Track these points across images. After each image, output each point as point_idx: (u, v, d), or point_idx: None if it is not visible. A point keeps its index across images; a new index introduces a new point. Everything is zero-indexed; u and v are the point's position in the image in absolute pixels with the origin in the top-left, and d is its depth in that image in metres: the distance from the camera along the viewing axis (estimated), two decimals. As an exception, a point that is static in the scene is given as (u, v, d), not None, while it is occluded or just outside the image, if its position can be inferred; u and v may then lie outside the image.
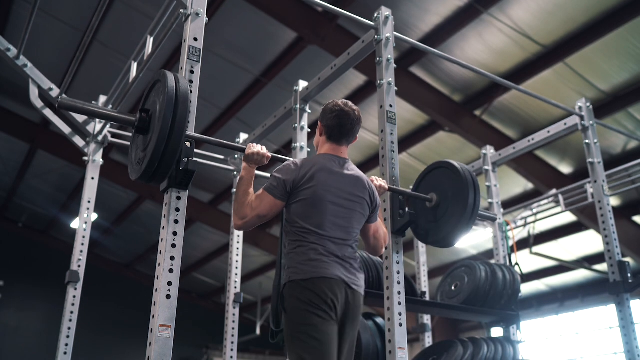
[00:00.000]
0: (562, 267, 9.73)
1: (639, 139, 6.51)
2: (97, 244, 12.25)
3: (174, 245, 1.96)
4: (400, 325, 2.35)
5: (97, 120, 3.89)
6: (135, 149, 2.17)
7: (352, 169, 2.37)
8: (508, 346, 3.56)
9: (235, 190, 2.32)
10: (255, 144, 2.38)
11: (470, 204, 2.76)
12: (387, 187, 2.62)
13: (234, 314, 3.94)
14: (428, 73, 6.64)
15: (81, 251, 3.61)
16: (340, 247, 2.20)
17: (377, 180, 2.59)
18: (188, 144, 2.07)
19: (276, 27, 6.31)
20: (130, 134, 4.40)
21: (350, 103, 2.43)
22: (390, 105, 2.75)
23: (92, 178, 3.81)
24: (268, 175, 4.97)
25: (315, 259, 2.13)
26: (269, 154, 2.38)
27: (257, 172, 4.76)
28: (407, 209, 2.63)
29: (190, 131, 2.12)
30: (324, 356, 2.03)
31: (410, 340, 3.31)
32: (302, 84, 3.60)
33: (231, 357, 3.82)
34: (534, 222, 6.37)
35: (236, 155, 4.42)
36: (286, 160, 2.38)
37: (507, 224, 4.64)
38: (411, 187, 3.06)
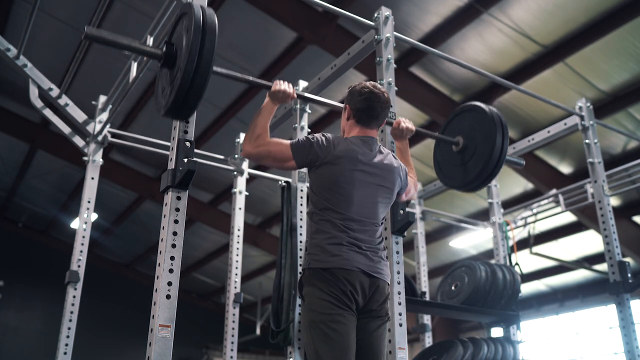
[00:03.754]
0: (562, 267, 9.73)
1: (639, 139, 6.51)
2: (97, 244, 12.25)
3: (174, 245, 1.95)
4: (400, 325, 2.35)
5: (97, 120, 3.89)
6: (161, 86, 2.14)
7: (382, 154, 2.29)
8: (508, 346, 3.56)
9: (252, 120, 2.24)
10: (282, 81, 2.31)
11: (498, 145, 2.70)
12: (414, 128, 2.60)
13: (234, 314, 3.93)
14: (428, 73, 6.63)
15: (81, 251, 3.60)
16: (363, 235, 2.16)
17: (404, 122, 2.56)
18: (188, 144, 2.06)
19: (276, 27, 6.31)
20: (130, 134, 4.41)
21: (379, 85, 2.34)
22: (391, 105, 2.74)
23: (92, 178, 3.81)
24: (269, 175, 4.99)
25: (335, 248, 2.10)
26: (295, 94, 2.34)
27: (255, 172, 4.79)
28: (406, 209, 2.63)
29: (190, 134, 2.12)
30: (342, 347, 1.99)
31: (410, 340, 3.31)
32: (302, 84, 3.59)
33: (231, 357, 3.82)
34: (534, 222, 6.36)
35: (236, 155, 4.41)
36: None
37: (507, 224, 4.65)
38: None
